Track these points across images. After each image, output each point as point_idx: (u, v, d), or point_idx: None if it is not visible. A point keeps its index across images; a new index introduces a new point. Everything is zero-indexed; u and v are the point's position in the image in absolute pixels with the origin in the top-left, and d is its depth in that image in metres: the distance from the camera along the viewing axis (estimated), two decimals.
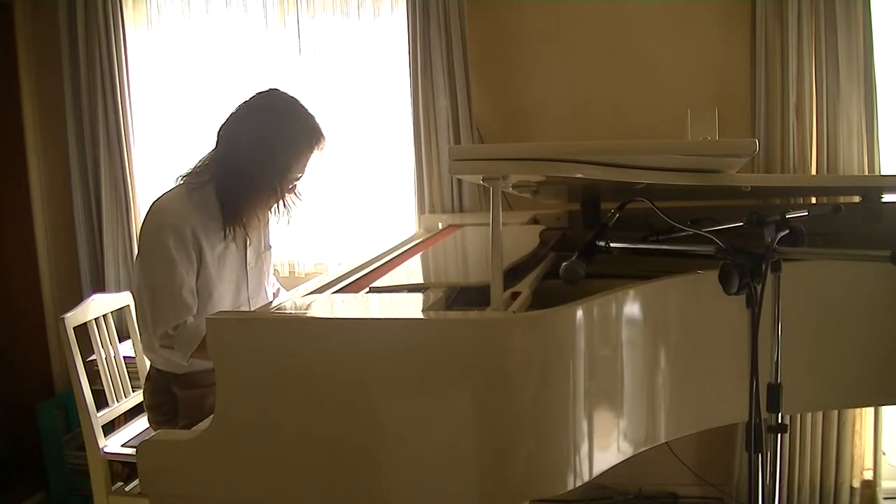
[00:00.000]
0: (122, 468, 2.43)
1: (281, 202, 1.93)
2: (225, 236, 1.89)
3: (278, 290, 2.28)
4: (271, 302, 1.94)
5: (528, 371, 1.36)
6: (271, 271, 2.20)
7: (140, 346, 2.56)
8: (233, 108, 1.92)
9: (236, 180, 1.86)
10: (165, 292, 1.81)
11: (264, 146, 1.83)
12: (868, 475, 2.71)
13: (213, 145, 1.93)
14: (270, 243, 2.14)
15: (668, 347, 1.60)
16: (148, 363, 2.06)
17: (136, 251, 3.00)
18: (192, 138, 3.00)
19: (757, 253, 1.29)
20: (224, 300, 1.95)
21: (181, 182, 1.92)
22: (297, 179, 1.92)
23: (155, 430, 2.05)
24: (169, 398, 1.98)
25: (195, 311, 1.85)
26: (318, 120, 1.91)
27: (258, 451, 1.40)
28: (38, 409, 3.01)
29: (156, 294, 1.83)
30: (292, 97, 1.92)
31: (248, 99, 1.92)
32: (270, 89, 1.93)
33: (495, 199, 1.40)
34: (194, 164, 1.94)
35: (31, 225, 3.22)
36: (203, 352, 1.79)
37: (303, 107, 1.91)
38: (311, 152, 1.90)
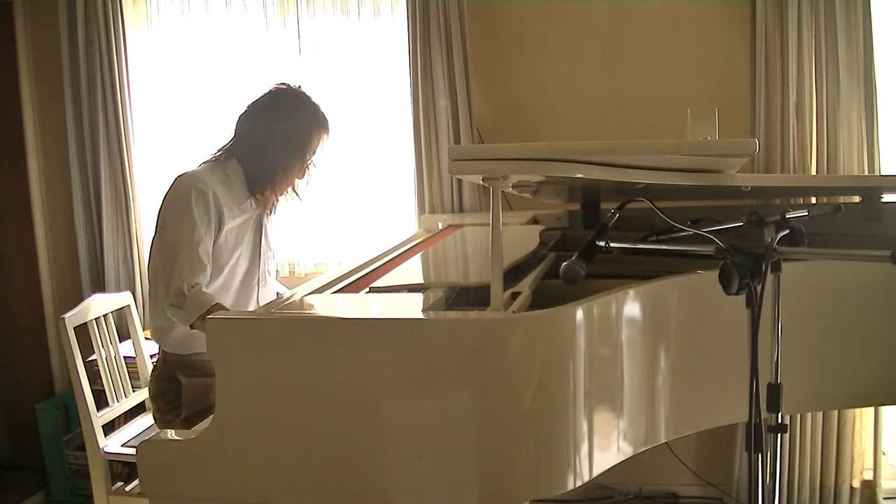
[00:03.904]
0: (122, 468, 2.43)
1: (295, 185, 2.06)
2: (247, 203, 2.00)
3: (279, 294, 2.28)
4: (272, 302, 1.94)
5: (528, 371, 1.36)
6: (274, 270, 2.23)
7: (140, 345, 2.58)
8: (250, 101, 2.04)
9: (260, 151, 1.98)
10: (185, 250, 1.86)
11: (281, 122, 1.97)
12: (868, 475, 2.70)
13: (232, 134, 2.05)
14: (272, 246, 2.18)
15: (668, 347, 1.60)
16: (150, 364, 2.06)
17: (136, 252, 3.02)
18: (192, 138, 3.00)
19: (757, 253, 1.29)
20: (236, 276, 2.00)
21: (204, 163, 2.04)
22: (310, 159, 2.04)
23: (158, 420, 2.07)
24: (174, 386, 2.00)
25: (209, 274, 1.90)
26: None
27: (258, 451, 1.40)
28: (38, 409, 3.01)
29: (176, 250, 1.87)
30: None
31: (266, 91, 2.04)
32: (292, 86, 2.05)
33: (495, 199, 1.41)
34: (215, 151, 2.05)
35: (31, 225, 3.22)
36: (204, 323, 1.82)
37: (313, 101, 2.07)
38: (321, 136, 2.03)
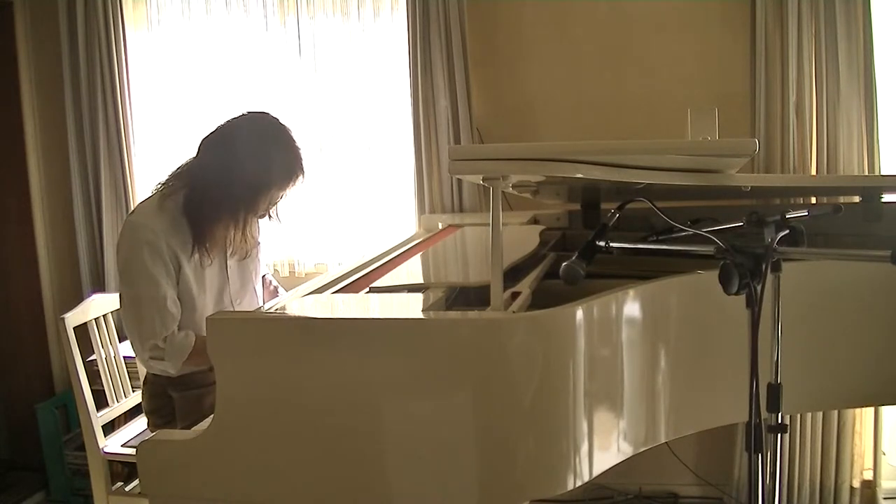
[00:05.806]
0: (122, 468, 2.42)
1: (246, 224, 1.89)
2: (193, 251, 1.86)
3: (276, 288, 2.27)
4: (274, 301, 1.94)
5: (528, 371, 1.36)
6: (261, 269, 2.16)
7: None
8: (221, 122, 1.88)
9: (202, 199, 1.82)
10: (150, 307, 1.81)
11: (237, 170, 1.80)
12: (868, 475, 2.70)
13: (195, 153, 1.90)
14: (259, 239, 2.09)
15: (668, 347, 1.60)
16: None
17: None
18: (192, 139, 2.98)
19: (757, 253, 1.29)
20: (207, 306, 1.94)
21: (157, 188, 1.90)
22: (265, 209, 1.90)
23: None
24: (166, 401, 1.98)
25: (178, 319, 1.85)
26: (302, 153, 1.87)
27: (258, 451, 1.40)
28: (38, 409, 3.01)
29: (141, 309, 1.82)
30: (284, 126, 1.87)
31: (238, 116, 1.88)
32: (263, 113, 1.89)
33: (495, 199, 1.41)
34: (173, 170, 1.91)
35: (31, 225, 3.22)
36: (193, 359, 1.83)
37: (292, 139, 1.86)
38: (283, 189, 1.87)
